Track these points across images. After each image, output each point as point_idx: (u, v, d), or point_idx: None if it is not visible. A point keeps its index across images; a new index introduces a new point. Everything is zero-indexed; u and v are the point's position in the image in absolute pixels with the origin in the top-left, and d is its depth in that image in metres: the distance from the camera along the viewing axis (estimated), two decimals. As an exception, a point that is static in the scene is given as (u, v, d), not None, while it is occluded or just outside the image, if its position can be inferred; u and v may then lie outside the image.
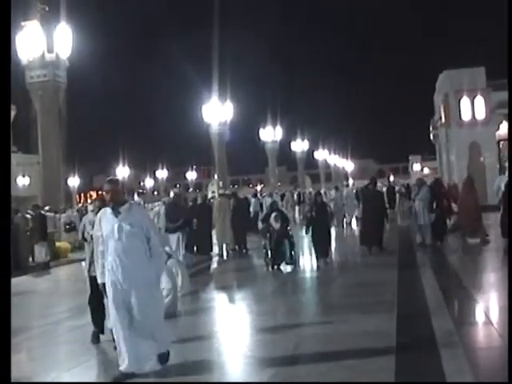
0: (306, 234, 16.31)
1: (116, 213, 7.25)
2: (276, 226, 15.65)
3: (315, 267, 15.93)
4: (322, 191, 36.81)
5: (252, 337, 9.35)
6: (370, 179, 19.51)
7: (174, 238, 14.26)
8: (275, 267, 15.51)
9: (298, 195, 41.83)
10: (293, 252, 15.66)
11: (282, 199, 35.94)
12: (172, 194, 17.10)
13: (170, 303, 9.95)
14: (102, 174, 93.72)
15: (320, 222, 16.01)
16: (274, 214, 15.97)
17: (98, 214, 7.72)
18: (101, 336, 9.08)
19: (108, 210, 7.37)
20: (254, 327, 9.98)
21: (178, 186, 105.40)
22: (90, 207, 11.88)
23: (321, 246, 15.96)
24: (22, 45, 26.09)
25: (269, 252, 15.66)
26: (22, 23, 26.63)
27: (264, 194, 42.68)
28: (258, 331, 9.51)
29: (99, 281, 7.60)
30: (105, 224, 7.37)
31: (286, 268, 15.62)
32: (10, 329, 7.07)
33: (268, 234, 15.86)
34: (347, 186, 60.99)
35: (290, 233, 16.12)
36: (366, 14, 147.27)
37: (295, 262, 15.71)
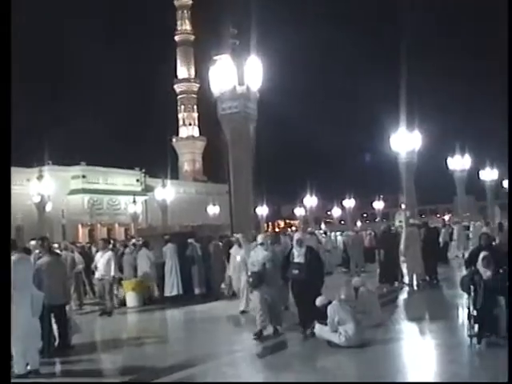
0: None
1: None
2: (486, 273, 9.65)
3: None
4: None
5: (441, 368, 9.05)
6: None
7: None
8: (481, 341, 9.36)
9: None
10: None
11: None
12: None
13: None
14: (290, 204, 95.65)
15: None
16: (482, 254, 10.13)
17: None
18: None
19: None
20: (442, 361, 9.59)
21: (364, 215, 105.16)
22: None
23: None
24: (215, 78, 27.02)
25: (472, 316, 9.48)
26: (214, 57, 27.63)
27: (456, 220, 40.97)
28: (447, 364, 9.18)
29: None
30: None
31: (499, 343, 9.16)
32: (10, 330, 7.54)
33: (472, 287, 9.49)
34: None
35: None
36: None
37: None
